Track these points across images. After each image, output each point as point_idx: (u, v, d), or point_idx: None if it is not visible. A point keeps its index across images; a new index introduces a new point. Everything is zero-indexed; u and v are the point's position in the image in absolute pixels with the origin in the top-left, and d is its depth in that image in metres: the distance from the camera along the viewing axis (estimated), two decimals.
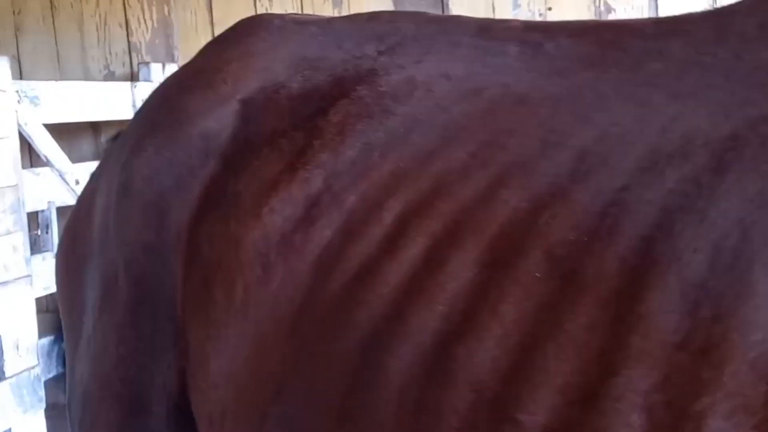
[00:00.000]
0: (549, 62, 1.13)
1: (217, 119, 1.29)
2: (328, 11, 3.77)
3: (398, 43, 1.29)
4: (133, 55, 3.99)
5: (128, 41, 3.98)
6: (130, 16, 3.95)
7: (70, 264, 1.49)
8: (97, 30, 4.00)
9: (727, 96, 0.91)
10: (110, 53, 4.02)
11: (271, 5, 3.85)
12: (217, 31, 4.05)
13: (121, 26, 3.97)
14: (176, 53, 3.93)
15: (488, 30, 1.28)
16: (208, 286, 1.18)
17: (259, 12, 3.78)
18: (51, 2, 4.02)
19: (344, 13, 3.67)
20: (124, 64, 4.02)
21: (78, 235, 1.46)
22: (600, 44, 1.12)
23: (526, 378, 0.81)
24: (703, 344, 0.74)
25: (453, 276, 0.91)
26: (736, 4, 1.06)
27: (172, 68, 3.75)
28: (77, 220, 1.49)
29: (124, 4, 3.96)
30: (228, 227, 1.18)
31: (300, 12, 3.80)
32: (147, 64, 3.92)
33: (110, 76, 4.01)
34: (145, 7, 3.93)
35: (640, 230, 0.82)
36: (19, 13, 4.05)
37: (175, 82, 1.46)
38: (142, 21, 3.93)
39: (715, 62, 0.97)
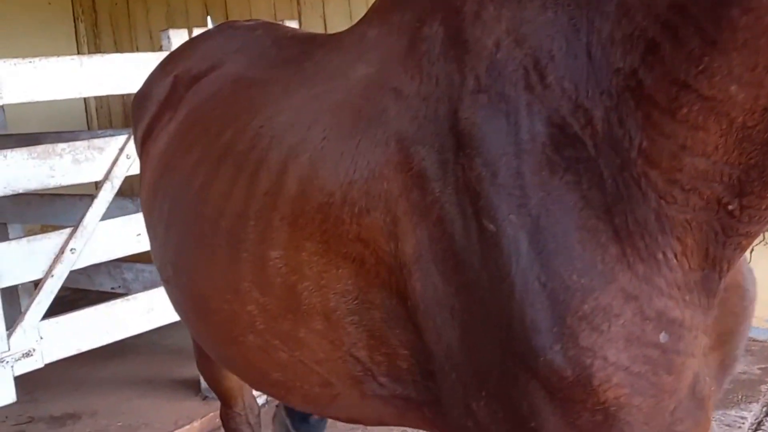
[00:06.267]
0: (276, 60, 1.95)
1: (162, 86, 2.28)
2: None
3: (240, 48, 2.14)
4: None
5: (325, 30, 5.58)
6: (327, 13, 5.54)
7: None
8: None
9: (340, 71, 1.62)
10: None
11: None
12: None
13: (320, 17, 5.58)
14: None
15: (278, 39, 2.06)
16: (145, 166, 2.25)
17: None
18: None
19: None
20: None
21: None
22: (301, 50, 1.90)
23: (220, 190, 1.73)
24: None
25: (203, 154, 1.86)
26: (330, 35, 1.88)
27: None
28: None
29: (322, 3, 5.56)
30: (150, 142, 2.21)
31: None
32: None
33: None
34: (337, 3, 5.48)
35: (278, 153, 1.60)
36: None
37: (160, 62, 2.47)
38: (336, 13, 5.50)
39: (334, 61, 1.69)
